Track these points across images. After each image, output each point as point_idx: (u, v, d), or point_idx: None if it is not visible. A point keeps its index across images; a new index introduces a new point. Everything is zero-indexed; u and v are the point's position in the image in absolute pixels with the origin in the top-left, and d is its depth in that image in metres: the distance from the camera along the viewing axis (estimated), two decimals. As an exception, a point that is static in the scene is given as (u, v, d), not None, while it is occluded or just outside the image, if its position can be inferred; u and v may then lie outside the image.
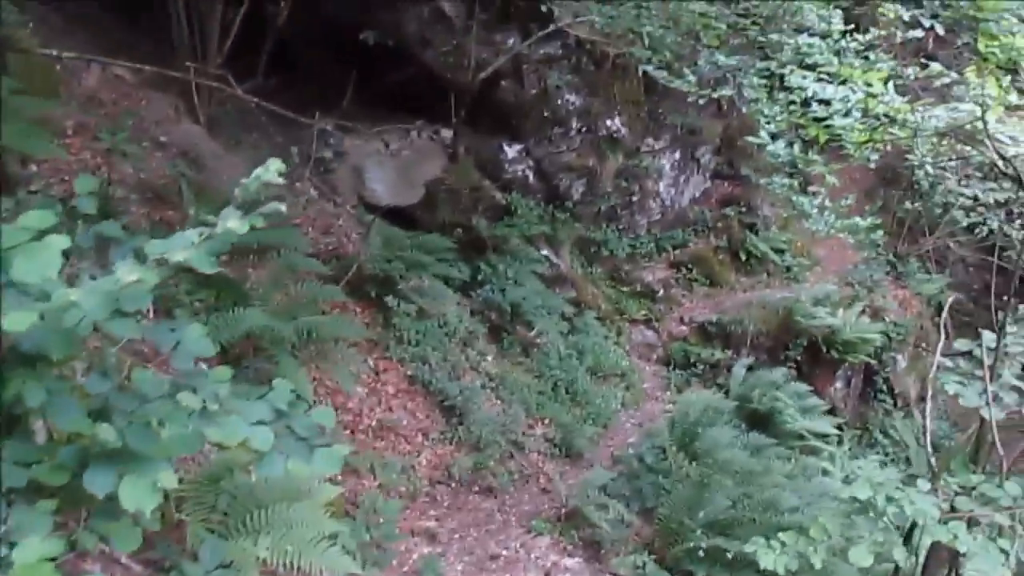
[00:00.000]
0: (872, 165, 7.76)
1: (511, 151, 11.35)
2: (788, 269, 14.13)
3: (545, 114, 11.30)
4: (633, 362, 12.27)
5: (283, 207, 2.51)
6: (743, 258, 13.83)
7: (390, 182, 10.35)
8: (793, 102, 9.46)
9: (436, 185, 10.73)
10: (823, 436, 11.45)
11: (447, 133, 10.98)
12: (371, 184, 10.17)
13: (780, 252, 14.01)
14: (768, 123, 9.60)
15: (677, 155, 13.46)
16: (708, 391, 12.23)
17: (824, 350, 12.93)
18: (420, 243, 9.17)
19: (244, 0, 9.27)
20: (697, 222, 14.00)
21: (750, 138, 9.43)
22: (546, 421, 9.32)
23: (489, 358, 9.44)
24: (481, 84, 10.73)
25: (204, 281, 5.61)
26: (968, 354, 4.62)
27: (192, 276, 5.68)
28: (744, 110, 9.35)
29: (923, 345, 14.80)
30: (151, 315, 4.62)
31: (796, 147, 8.90)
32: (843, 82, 7.70)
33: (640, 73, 11.79)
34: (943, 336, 6.40)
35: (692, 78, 8.78)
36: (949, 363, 4.61)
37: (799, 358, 13.04)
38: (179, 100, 9.45)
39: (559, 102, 11.38)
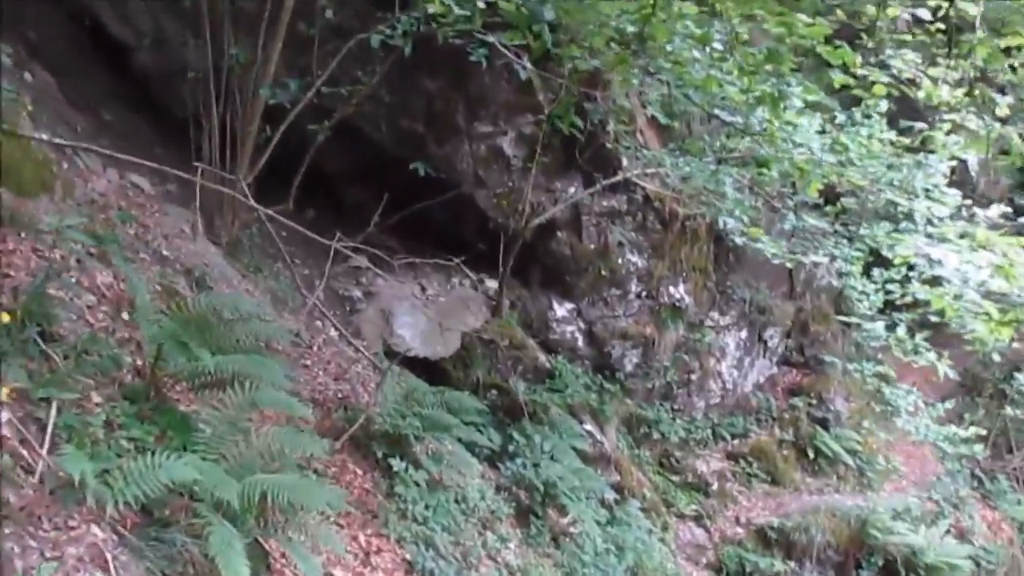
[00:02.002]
0: (997, 357, 6.50)
1: (561, 309, 10.20)
2: (861, 473, 12.50)
3: (603, 273, 10.19)
4: (679, 565, 10.61)
5: None
6: (811, 456, 12.28)
7: (422, 330, 9.20)
8: (892, 280, 8.27)
9: (474, 338, 9.56)
10: None
11: (492, 283, 9.90)
12: (400, 330, 9.03)
13: (853, 453, 12.43)
14: (861, 300, 8.36)
15: (743, 334, 12.19)
16: (767, 609, 10.50)
17: (903, 573, 11.13)
18: (446, 400, 7.88)
19: (284, 117, 8.44)
20: (760, 410, 12.56)
21: (842, 318, 8.17)
22: (573, 634, 7.72)
23: (512, 545, 7.94)
24: (535, 232, 9.73)
25: (151, 414, 4.38)
26: None
27: (135, 406, 4.47)
28: (834, 282, 8.11)
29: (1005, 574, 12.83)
30: (45, 449, 3.40)
31: (901, 330, 7.61)
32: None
33: (711, 239, 10.74)
34: None
35: (770, 244, 7.62)
36: None
37: (872, 579, 11.27)
38: (199, 218, 8.54)
39: (619, 261, 10.28)
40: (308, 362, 8.00)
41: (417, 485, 6.61)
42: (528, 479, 8.63)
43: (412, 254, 9.65)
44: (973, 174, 12.40)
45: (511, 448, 9.01)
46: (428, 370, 9.13)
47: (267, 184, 8.90)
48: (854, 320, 7.83)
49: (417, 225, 9.33)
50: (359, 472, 6.76)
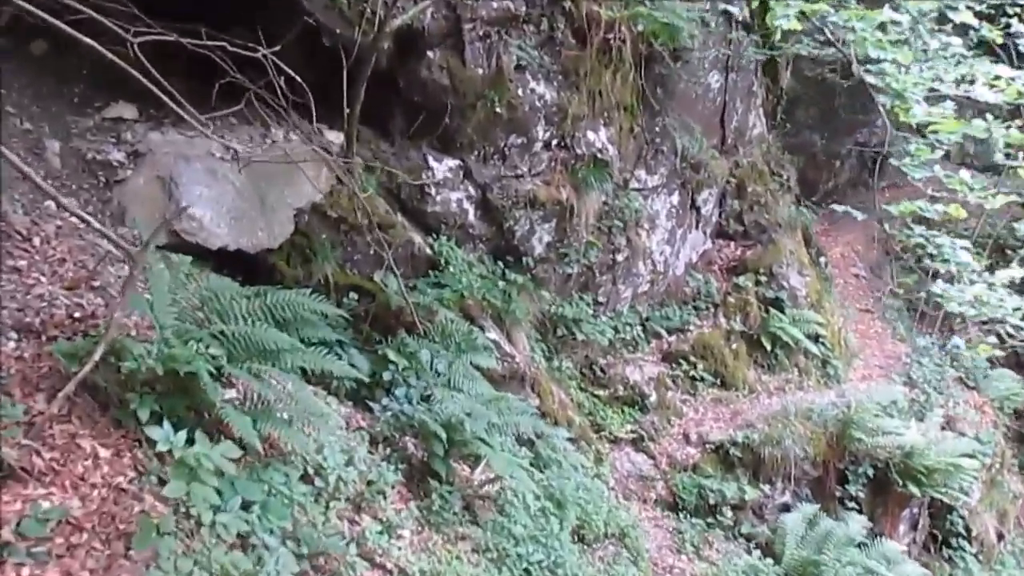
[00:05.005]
0: None
1: (441, 168, 6.98)
2: (825, 363, 9.99)
3: (497, 110, 6.99)
4: (629, 510, 7.84)
5: None
6: (767, 347, 9.65)
7: (230, 207, 5.84)
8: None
9: (314, 218, 6.30)
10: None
11: (335, 135, 6.58)
12: (194, 208, 5.63)
13: (815, 339, 9.88)
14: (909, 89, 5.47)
15: (675, 199, 9.31)
16: (745, 553, 7.91)
17: (900, 482, 8.73)
18: (273, 306, 4.66)
19: None
20: (699, 296, 9.84)
21: (902, 109, 5.25)
22: (518, 663, 4.76)
23: (405, 534, 4.87)
24: (394, 51, 6.45)
25: None
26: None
27: None
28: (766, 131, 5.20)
29: (996, 467, 10.73)
30: None
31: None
32: None
33: (638, 62, 7.71)
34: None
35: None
36: None
37: (860, 494, 8.83)
38: None
39: (520, 93, 7.10)
40: (21, 262, 4.56)
41: (219, 474, 3.36)
42: (419, 421, 5.57)
43: (211, 101, 6.20)
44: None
45: (387, 376, 5.96)
46: (247, 268, 5.88)
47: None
48: (906, 109, 4.95)
49: (208, 58, 5.84)
50: (102, 453, 3.46)
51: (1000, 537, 10.65)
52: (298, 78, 4.96)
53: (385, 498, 4.93)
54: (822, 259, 12.31)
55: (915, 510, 9.56)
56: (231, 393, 4.37)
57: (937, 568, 9.78)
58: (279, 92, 5.15)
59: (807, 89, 13.60)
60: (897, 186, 15.66)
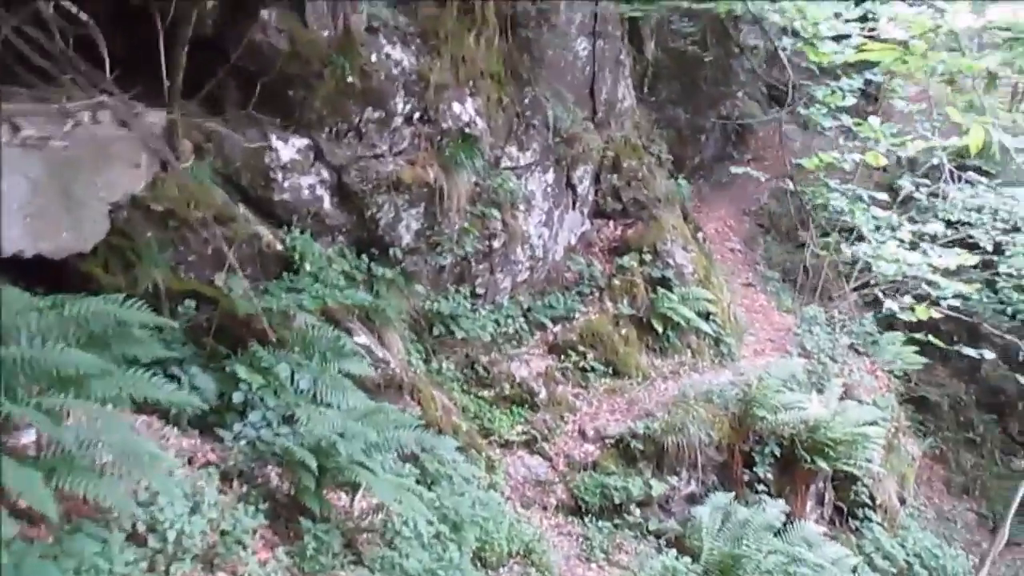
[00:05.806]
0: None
1: (287, 149, 5.97)
2: (717, 341, 9.46)
3: (348, 78, 6.04)
4: (530, 520, 7.05)
5: None
6: (659, 329, 9.03)
7: (23, 204, 4.70)
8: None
9: (135, 213, 5.21)
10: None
11: (156, 115, 5.50)
12: (-27, 207, 4.48)
13: (707, 316, 9.33)
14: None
15: (550, 177, 8.58)
16: (657, 552, 7.24)
17: (807, 458, 8.27)
18: (77, 318, 3.61)
19: None
20: (582, 281, 9.14)
21: (809, 48, 4.60)
22: None
23: (274, 590, 3.91)
24: (221, 12, 5.43)
25: None
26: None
27: None
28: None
29: (893, 431, 10.47)
30: None
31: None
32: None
33: (502, 24, 6.91)
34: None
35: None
36: None
37: (768, 475, 8.34)
38: None
39: (373, 58, 6.18)
40: None
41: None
42: (282, 448, 4.61)
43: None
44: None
45: (238, 397, 4.94)
46: (53, 278, 4.75)
47: None
48: (819, 55, 4.34)
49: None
50: None
51: (902, 502, 10.42)
52: (83, 15, 3.90)
53: (245, 549, 3.95)
54: (699, 234, 11.90)
55: (820, 484, 9.18)
56: (26, 438, 3.33)
57: (844, 540, 9.42)
58: (69, 45, 4.07)
59: (670, 63, 13.20)
60: (762, 158, 15.60)
